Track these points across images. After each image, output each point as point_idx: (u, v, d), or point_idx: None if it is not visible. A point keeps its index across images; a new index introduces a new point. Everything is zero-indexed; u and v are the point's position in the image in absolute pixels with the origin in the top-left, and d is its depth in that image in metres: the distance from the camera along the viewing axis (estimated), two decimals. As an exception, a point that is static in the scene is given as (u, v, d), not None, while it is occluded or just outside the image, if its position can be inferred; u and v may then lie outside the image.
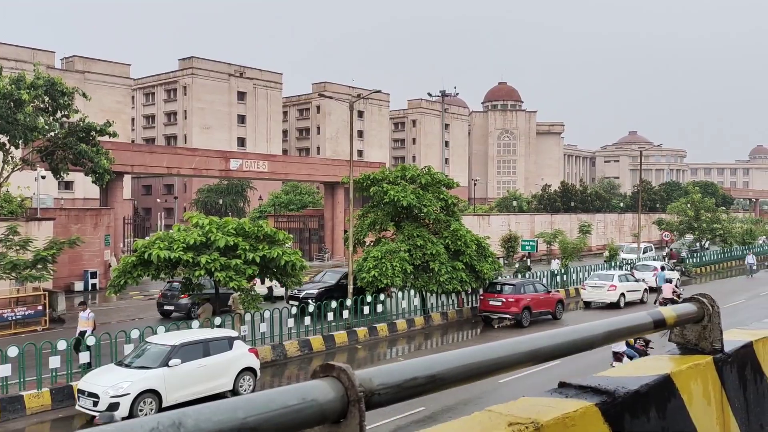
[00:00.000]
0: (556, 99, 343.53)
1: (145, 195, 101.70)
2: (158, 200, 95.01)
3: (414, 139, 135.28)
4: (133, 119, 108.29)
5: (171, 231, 18.79)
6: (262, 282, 23.76)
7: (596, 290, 30.59)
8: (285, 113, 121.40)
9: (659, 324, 2.87)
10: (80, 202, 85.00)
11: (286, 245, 20.06)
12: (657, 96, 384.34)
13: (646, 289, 32.44)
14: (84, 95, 32.64)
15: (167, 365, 14.32)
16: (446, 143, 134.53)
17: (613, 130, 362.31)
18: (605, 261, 40.13)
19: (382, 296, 24.08)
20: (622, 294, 30.51)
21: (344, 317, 22.78)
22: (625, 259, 41.24)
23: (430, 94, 59.68)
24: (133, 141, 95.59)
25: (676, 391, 2.65)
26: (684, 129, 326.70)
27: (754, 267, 43.36)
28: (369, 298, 23.69)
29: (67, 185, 77.92)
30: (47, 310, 24.48)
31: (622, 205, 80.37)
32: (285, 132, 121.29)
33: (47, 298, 24.88)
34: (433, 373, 1.72)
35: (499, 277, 29.86)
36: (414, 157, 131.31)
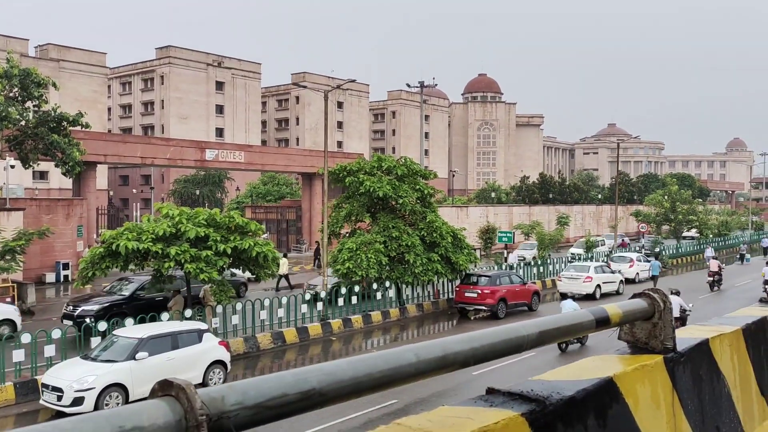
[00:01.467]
0: (535, 91, 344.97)
1: (122, 185, 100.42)
2: (134, 191, 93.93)
3: (394, 131, 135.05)
4: (109, 109, 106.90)
5: (140, 222, 18.44)
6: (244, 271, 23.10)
7: (572, 281, 30.68)
8: (264, 104, 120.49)
9: (602, 322, 2.69)
10: (56, 192, 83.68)
11: (261, 236, 19.79)
12: (636, 89, 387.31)
13: (621, 281, 32.61)
14: (54, 85, 31.94)
15: (134, 359, 14.06)
16: (426, 134, 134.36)
17: (593, 122, 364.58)
18: (571, 255, 39.69)
19: (357, 288, 23.92)
20: (598, 285, 30.65)
21: (318, 309, 22.59)
22: (574, 254, 39.90)
23: (408, 85, 59.39)
24: (109, 131, 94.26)
25: (620, 396, 2.46)
26: (662, 121, 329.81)
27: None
28: (343, 290, 23.53)
29: (42, 175, 76.72)
30: (16, 302, 23.99)
31: (600, 196, 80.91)
32: (264, 123, 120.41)
33: (16, 290, 24.39)
34: (308, 388, 1.46)
35: (475, 269, 29.87)
36: (394, 149, 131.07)
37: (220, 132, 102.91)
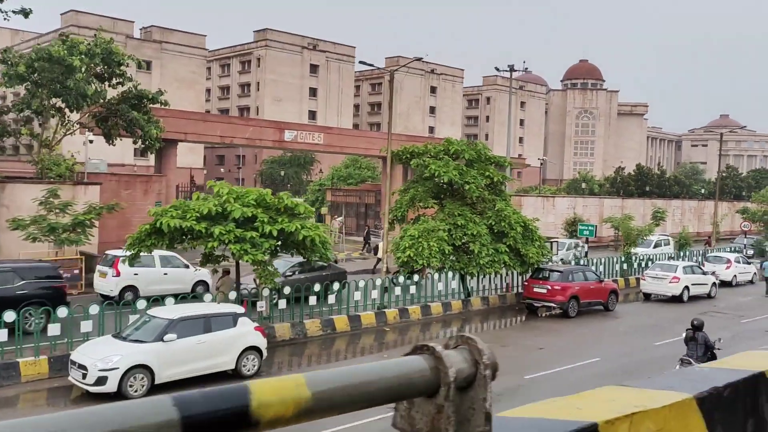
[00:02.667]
0: (641, 79, 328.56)
1: (218, 165, 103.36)
2: (229, 170, 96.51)
3: (487, 117, 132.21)
4: (209, 90, 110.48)
5: (189, 200, 18.13)
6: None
7: (657, 281, 28.32)
8: (358, 87, 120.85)
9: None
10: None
11: (309, 219, 19.07)
12: (752, 78, 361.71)
13: (714, 283, 29.85)
14: (139, 63, 32.45)
15: (162, 340, 13.64)
16: (521, 122, 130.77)
17: (703, 113, 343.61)
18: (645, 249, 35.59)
19: (416, 277, 22.84)
20: (686, 287, 28.13)
21: (373, 297, 21.70)
22: (636, 254, 35.18)
23: (497, 69, 57.12)
24: (208, 111, 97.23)
25: None
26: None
27: None
28: (402, 278, 22.53)
29: (143, 152, 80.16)
30: (84, 275, 24.53)
31: (703, 191, 75.60)
32: (357, 107, 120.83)
33: (85, 263, 24.93)
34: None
35: (549, 263, 28.11)
36: (487, 135, 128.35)
37: (312, 115, 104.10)
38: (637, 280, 31.30)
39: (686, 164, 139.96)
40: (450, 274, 24.01)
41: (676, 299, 27.96)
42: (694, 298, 28.52)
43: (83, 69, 28.48)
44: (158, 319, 14.18)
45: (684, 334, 14.85)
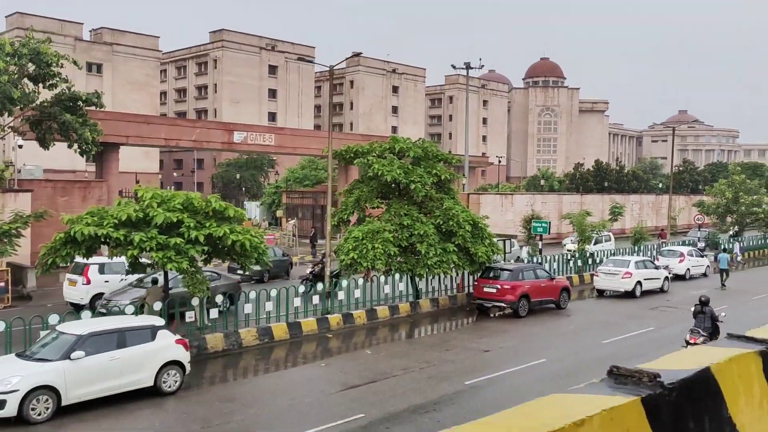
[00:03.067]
0: (602, 77, 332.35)
1: (177, 169, 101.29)
2: (182, 174, 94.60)
3: (450, 116, 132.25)
4: (165, 93, 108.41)
5: (108, 205, 17.04)
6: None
7: (610, 277, 27.93)
8: (319, 88, 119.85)
9: None
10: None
11: (245, 223, 18.10)
12: (710, 74, 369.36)
13: (667, 277, 29.59)
14: (75, 63, 31.02)
15: (69, 358, 12.58)
16: (484, 120, 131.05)
17: (663, 109, 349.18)
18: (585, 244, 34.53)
19: (360, 280, 22.01)
20: (639, 282, 27.79)
21: (314, 303, 20.78)
22: (570, 250, 34.79)
23: (453, 66, 56.69)
24: (164, 114, 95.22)
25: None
26: (739, 108, 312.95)
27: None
28: (345, 282, 21.69)
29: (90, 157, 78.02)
30: (10, 287, 23.19)
31: (661, 185, 76.25)
32: (319, 107, 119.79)
33: (12, 275, 23.59)
34: None
35: (501, 261, 27.55)
36: (450, 134, 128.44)
37: (272, 116, 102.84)
38: (592, 276, 30.94)
39: (646, 159, 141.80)
40: (398, 276, 23.22)
41: (629, 295, 27.61)
42: (647, 293, 28.21)
43: (9, 70, 27.07)
44: (66, 336, 13.11)
45: (693, 308, 17.21)
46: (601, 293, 28.44)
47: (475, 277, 24.71)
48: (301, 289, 20.01)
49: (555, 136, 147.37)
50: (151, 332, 14.00)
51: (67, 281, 22.38)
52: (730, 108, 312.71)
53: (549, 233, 34.46)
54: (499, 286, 23.25)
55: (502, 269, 23.96)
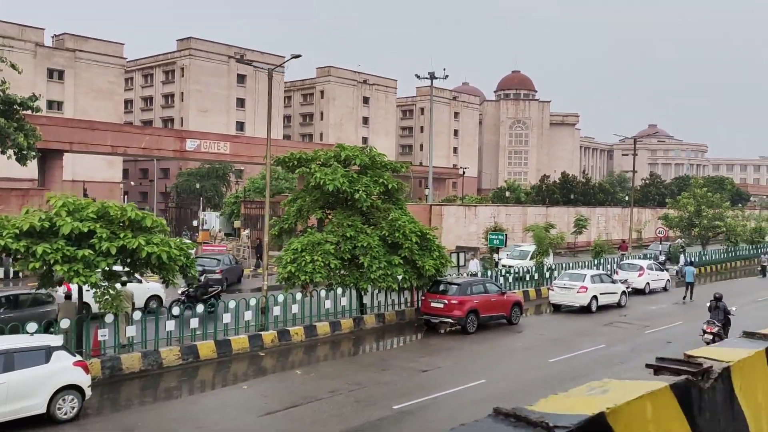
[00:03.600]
0: (574, 90, 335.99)
1: (142, 179, 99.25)
2: (140, 183, 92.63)
3: (422, 128, 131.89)
4: (132, 101, 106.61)
5: (12, 215, 15.76)
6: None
7: (565, 291, 27.12)
8: (289, 98, 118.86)
9: None
10: (69, 184, 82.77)
11: (164, 233, 16.87)
12: (679, 89, 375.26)
13: (625, 292, 28.88)
14: (13, 66, 29.56)
15: (-59, 383, 11.27)
16: (455, 132, 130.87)
17: (634, 123, 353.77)
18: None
19: (299, 295, 20.87)
20: (594, 297, 27.01)
21: (246, 319, 19.57)
22: (505, 265, 33.14)
23: (418, 76, 55.98)
24: (130, 123, 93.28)
25: None
26: (707, 124, 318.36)
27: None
28: (281, 297, 20.52)
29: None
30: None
31: (627, 198, 76.14)
32: (289, 117, 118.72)
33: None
34: None
35: (453, 275, 26.61)
36: (422, 146, 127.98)
37: (240, 126, 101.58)
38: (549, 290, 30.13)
39: (614, 172, 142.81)
40: (340, 290, 22.11)
41: (585, 310, 26.82)
42: (603, 308, 27.45)
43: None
44: (-56, 357, 11.80)
45: (708, 304, 20.13)
46: (557, 308, 27.62)
47: (423, 292, 23.70)
48: (176, 311, 18.28)
49: (526, 149, 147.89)
50: (46, 353, 12.72)
51: None
52: (699, 122, 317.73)
53: (505, 245, 33.57)
54: (446, 301, 22.25)
55: (450, 283, 22.97)
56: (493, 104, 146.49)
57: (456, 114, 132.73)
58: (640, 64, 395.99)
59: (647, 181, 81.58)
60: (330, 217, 22.75)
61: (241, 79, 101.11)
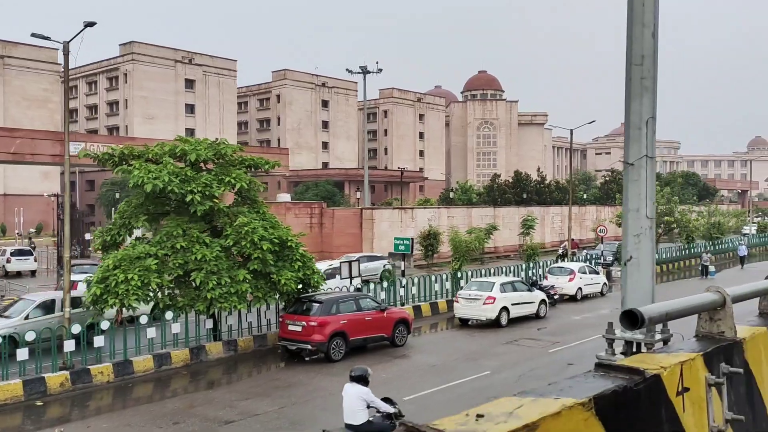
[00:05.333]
0: (544, 91, 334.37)
1: (89, 191, 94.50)
2: (89, 196, 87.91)
3: (386, 131, 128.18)
4: (76, 110, 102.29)
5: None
6: None
7: (470, 303, 23.17)
8: (245, 103, 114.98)
9: None
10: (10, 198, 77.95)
11: None
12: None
13: (544, 301, 25.01)
14: None
15: None
16: (420, 135, 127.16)
17: (607, 122, 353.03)
18: (451, 268, 29.85)
19: (105, 324, 16.68)
20: (505, 308, 23.09)
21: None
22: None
23: (350, 71, 51.94)
24: (74, 132, 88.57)
25: None
26: (680, 120, 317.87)
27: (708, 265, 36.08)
28: (78, 328, 16.34)
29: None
30: None
31: (585, 196, 72.76)
32: (245, 123, 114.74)
33: None
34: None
35: (346, 286, 22.57)
36: (386, 149, 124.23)
37: (190, 132, 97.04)
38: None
39: (579, 171, 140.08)
40: (170, 315, 17.99)
41: (495, 323, 22.93)
42: (518, 321, 23.56)
43: None
44: None
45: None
46: (464, 322, 23.70)
47: (280, 312, 19.68)
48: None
49: (494, 150, 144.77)
50: None
51: None
52: (675, 120, 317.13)
53: (411, 251, 29.49)
54: (304, 323, 18.20)
55: (312, 301, 18.89)
56: (460, 105, 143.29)
57: (421, 116, 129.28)
58: (609, 63, 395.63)
59: (607, 178, 78.24)
60: (146, 225, 18.65)
61: (189, 84, 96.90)
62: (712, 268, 36.27)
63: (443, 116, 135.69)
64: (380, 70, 50.91)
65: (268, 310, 20.40)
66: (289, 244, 19.27)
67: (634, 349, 5.24)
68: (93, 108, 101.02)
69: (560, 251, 39.95)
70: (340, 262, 25.16)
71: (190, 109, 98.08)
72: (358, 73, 50.78)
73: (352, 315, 18.90)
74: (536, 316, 24.39)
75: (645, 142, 6.23)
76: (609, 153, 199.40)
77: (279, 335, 19.15)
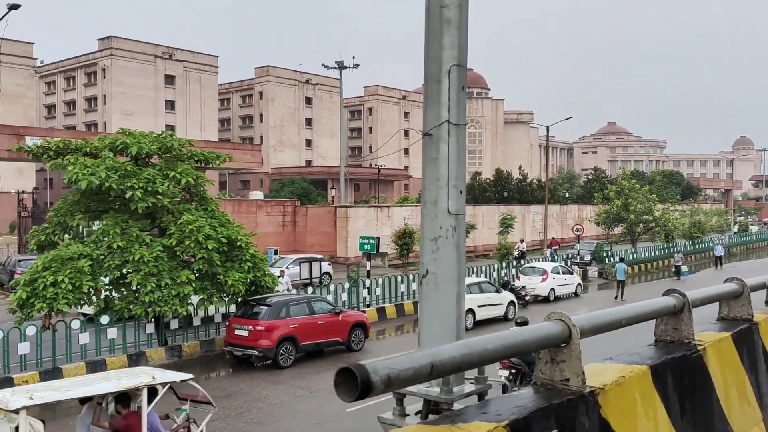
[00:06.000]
0: (532, 89, 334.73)
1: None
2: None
3: (370, 128, 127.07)
4: (54, 105, 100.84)
5: None
6: None
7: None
8: (228, 100, 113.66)
9: None
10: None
11: None
12: (638, 87, 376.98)
13: (513, 302, 24.08)
14: None
15: None
16: (406, 132, 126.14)
17: (593, 121, 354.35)
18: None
19: (32, 329, 15.52)
20: (470, 310, 22.12)
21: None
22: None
23: (326, 66, 50.79)
24: (52, 128, 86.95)
25: None
26: (666, 120, 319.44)
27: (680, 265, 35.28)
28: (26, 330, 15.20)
29: None
30: None
31: (567, 195, 72.03)
32: (228, 120, 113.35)
33: None
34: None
35: (314, 289, 21.54)
36: (371, 147, 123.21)
37: (171, 129, 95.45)
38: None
39: (563, 169, 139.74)
40: (105, 319, 16.87)
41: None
42: (484, 324, 22.61)
43: None
44: None
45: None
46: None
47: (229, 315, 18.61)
48: None
49: (480, 148, 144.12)
50: None
51: None
52: (661, 120, 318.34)
53: (377, 251, 28.47)
54: (251, 328, 17.13)
55: (261, 304, 17.82)
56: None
57: (406, 114, 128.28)
58: (597, 63, 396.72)
59: (590, 177, 77.59)
60: (83, 223, 17.52)
61: (170, 80, 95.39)
62: (684, 269, 35.37)
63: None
64: (357, 65, 49.82)
65: (218, 313, 19.30)
66: (238, 243, 18.19)
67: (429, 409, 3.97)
68: (71, 104, 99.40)
69: (516, 252, 38.55)
70: (300, 262, 24.07)
71: (171, 105, 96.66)
72: (334, 68, 49.65)
73: (304, 319, 17.85)
74: (504, 318, 23.45)
75: (446, 101, 4.25)
76: (596, 152, 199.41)
77: (225, 340, 18.08)
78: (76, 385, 8.80)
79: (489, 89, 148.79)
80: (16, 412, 7.37)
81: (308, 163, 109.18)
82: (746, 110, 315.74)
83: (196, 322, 18.93)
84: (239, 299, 18.44)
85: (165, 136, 19.08)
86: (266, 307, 17.52)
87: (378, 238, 26.37)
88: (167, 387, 9.06)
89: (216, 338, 19.12)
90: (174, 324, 18.29)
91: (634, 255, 39.27)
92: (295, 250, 43.46)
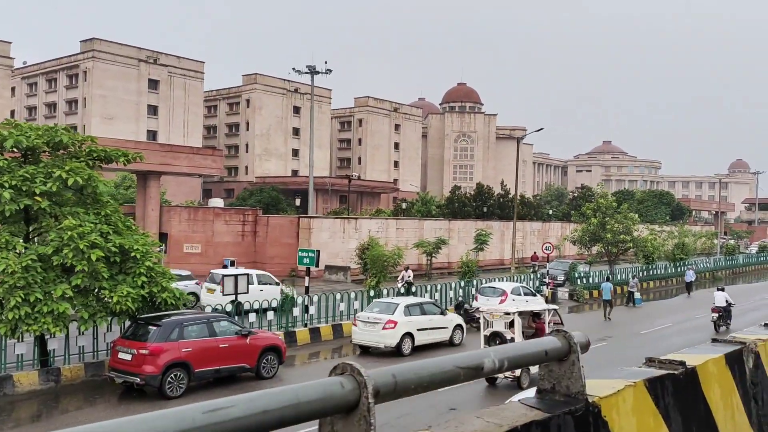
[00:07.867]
0: (528, 106, 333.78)
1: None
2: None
3: (360, 140, 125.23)
4: (35, 107, 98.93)
5: None
6: None
7: (369, 328, 19.87)
8: (215, 107, 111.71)
9: None
10: None
11: None
12: (635, 107, 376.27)
13: (460, 326, 21.78)
14: None
15: None
16: (396, 145, 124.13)
17: (589, 139, 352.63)
18: (402, 282, 27.17)
19: None
20: (408, 334, 19.81)
21: None
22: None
23: (298, 71, 48.56)
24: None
25: None
26: (662, 141, 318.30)
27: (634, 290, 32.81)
28: None
29: None
30: None
31: (551, 212, 69.83)
32: (214, 127, 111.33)
33: None
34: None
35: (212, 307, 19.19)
36: (360, 159, 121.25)
37: (153, 135, 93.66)
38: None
39: (551, 186, 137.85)
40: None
41: (398, 352, 19.65)
42: (427, 348, 20.29)
43: None
44: None
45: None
46: (365, 350, 20.40)
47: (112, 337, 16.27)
48: None
49: (471, 163, 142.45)
50: None
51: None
52: (658, 141, 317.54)
53: (317, 265, 26.12)
54: (135, 351, 14.81)
55: (149, 324, 15.49)
56: (438, 117, 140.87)
57: (397, 126, 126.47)
58: (592, 82, 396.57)
59: (575, 195, 75.49)
60: None
61: (153, 84, 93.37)
62: (638, 296, 32.69)
63: (420, 127, 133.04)
64: (329, 70, 47.68)
65: (109, 332, 16.96)
66: (132, 254, 15.89)
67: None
68: (52, 106, 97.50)
69: (400, 283, 34.37)
70: (223, 277, 21.74)
71: (153, 110, 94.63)
72: (306, 73, 47.52)
73: (201, 341, 15.53)
74: (450, 344, 21.16)
75: None
76: (590, 171, 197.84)
77: (109, 364, 15.73)
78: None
79: (482, 104, 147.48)
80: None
81: (294, 173, 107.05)
82: (745, 133, 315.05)
83: (83, 341, 16.56)
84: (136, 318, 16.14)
85: (56, 129, 16.84)
86: (155, 328, 15.18)
87: (318, 252, 24.07)
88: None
89: (106, 360, 16.77)
90: (53, 344, 15.95)
91: (612, 276, 37.04)
92: (255, 261, 41.17)
